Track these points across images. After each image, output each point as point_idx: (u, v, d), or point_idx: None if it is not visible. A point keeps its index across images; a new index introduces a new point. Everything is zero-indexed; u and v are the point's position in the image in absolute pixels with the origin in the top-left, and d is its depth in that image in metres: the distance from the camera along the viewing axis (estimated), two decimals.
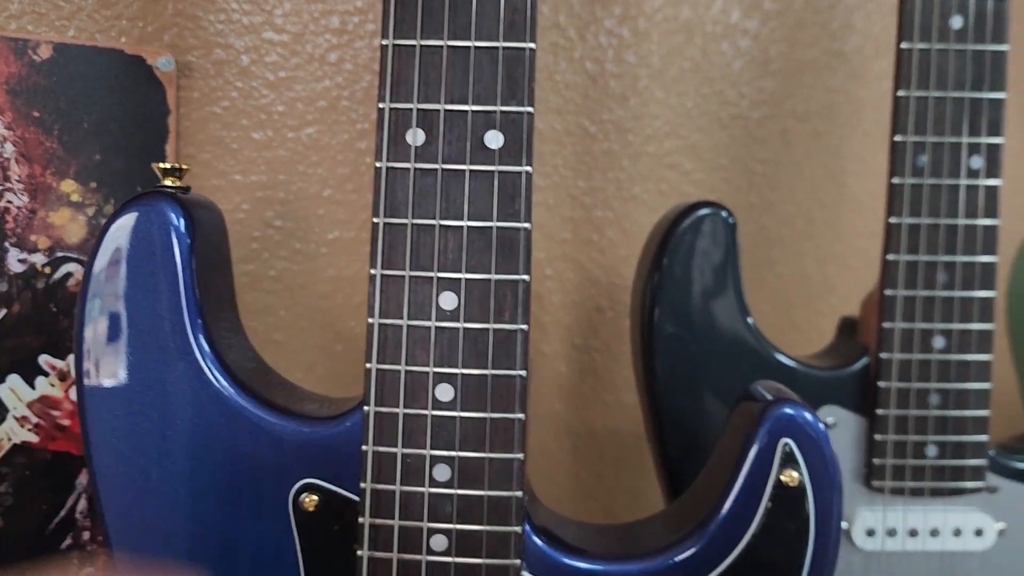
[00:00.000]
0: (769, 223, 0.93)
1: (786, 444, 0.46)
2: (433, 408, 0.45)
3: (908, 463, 0.64)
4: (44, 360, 0.62)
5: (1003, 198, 0.97)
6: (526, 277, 0.44)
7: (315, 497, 0.47)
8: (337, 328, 0.73)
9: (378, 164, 0.44)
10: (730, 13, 0.89)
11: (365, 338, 0.45)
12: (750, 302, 0.94)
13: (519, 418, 0.45)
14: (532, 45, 0.44)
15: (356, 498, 0.46)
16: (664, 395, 0.65)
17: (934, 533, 0.65)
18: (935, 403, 0.64)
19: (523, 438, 0.45)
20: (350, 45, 0.74)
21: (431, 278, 0.44)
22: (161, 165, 0.49)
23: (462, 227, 0.44)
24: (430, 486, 0.45)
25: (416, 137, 0.44)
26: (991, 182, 0.63)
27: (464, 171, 0.44)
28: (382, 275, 0.45)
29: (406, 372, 0.45)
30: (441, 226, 0.44)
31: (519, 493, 0.45)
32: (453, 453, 0.45)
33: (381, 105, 0.44)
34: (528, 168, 0.44)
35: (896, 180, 0.63)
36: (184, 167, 0.49)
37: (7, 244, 0.61)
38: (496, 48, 0.44)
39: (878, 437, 0.64)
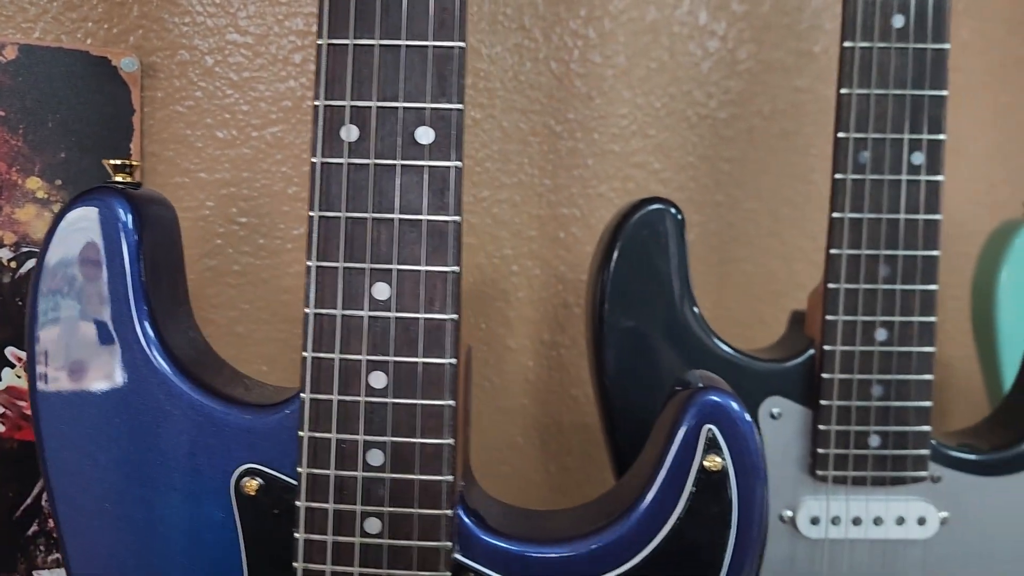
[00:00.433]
0: (736, 221, 0.95)
1: (710, 430, 0.47)
2: (366, 395, 0.46)
3: (851, 453, 0.65)
4: (10, 352, 0.64)
5: (975, 196, 0.99)
6: (456, 268, 0.46)
7: (256, 481, 0.48)
8: (299, 321, 0.75)
9: (313, 160, 0.46)
10: (697, 15, 0.91)
11: None
12: (716, 298, 0.96)
13: (449, 405, 0.46)
14: (462, 44, 0.45)
15: (295, 482, 0.48)
16: (613, 387, 0.66)
17: (877, 521, 0.66)
18: (877, 394, 0.65)
19: (454, 424, 0.47)
20: (314, 46, 0.75)
21: (364, 269, 0.46)
22: (112, 162, 0.50)
23: (393, 220, 0.46)
24: (364, 470, 0.47)
25: (350, 133, 0.46)
26: (933, 178, 0.64)
27: (395, 166, 0.46)
28: (317, 267, 0.46)
29: (340, 360, 0.46)
30: (374, 219, 0.46)
31: (449, 477, 0.47)
32: (386, 438, 0.47)
33: (316, 103, 0.46)
34: (458, 163, 0.46)
35: (838, 176, 0.64)
36: (135, 163, 0.51)
37: None
38: (426, 47, 0.45)
39: (822, 427, 0.65)
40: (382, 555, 0.47)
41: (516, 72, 0.85)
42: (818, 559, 0.67)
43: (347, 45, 0.45)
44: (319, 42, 0.46)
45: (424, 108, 0.45)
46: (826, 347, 0.65)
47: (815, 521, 0.66)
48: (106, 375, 0.49)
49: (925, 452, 0.66)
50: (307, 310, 0.46)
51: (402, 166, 0.46)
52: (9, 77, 0.63)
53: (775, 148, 0.94)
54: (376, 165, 0.46)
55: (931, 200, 0.64)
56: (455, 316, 0.46)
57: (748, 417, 0.48)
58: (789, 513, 0.66)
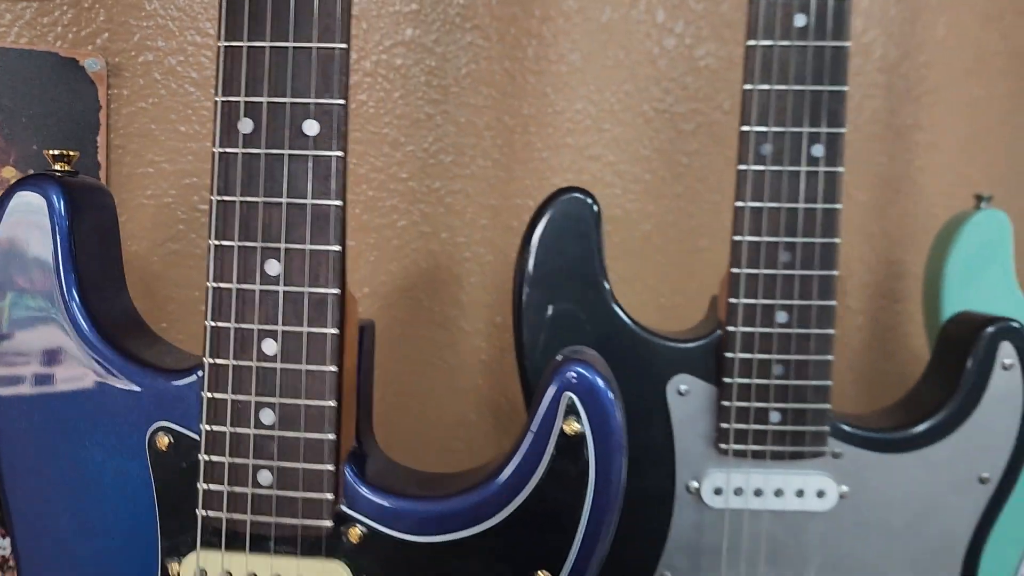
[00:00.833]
0: (696, 212, 0.99)
1: (570, 398, 0.52)
2: (258, 360, 0.52)
3: (752, 428, 0.69)
4: None
5: (949, 188, 1.01)
6: (338, 248, 0.51)
7: (167, 438, 0.54)
8: None
9: (214, 150, 0.52)
10: (655, 13, 0.94)
11: None
12: (676, 286, 1.00)
13: (331, 371, 0.52)
14: (343, 46, 0.50)
15: (199, 438, 0.53)
16: (531, 366, 0.71)
17: (778, 493, 0.70)
18: (778, 373, 0.69)
19: (336, 388, 0.52)
20: None
21: (256, 248, 0.51)
22: (51, 152, 0.57)
23: (282, 204, 0.51)
24: (256, 428, 0.52)
25: (245, 126, 0.51)
26: (832, 169, 0.67)
27: (284, 155, 0.51)
28: (216, 245, 0.52)
29: (236, 329, 0.52)
30: (265, 203, 0.51)
31: (331, 436, 0.52)
32: (275, 400, 0.52)
33: (216, 99, 0.51)
34: (340, 152, 0.51)
35: (741, 167, 0.68)
36: (72, 153, 0.57)
37: None
38: (311, 48, 0.50)
39: (725, 403, 0.69)
40: (272, 504, 0.53)
41: (469, 70, 0.90)
42: (721, 528, 0.70)
43: (241, 47, 0.51)
44: (219, 44, 0.51)
45: (309, 103, 0.51)
46: (729, 328, 0.69)
47: (718, 491, 0.70)
48: (41, 340, 0.55)
49: (824, 428, 0.69)
50: (208, 284, 0.52)
51: (290, 155, 0.51)
52: None
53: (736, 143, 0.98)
54: (267, 155, 0.51)
55: (830, 190, 0.68)
56: (337, 291, 0.51)
57: (608, 387, 0.52)
58: (695, 484, 0.71)
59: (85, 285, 0.55)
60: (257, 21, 0.51)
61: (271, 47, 0.51)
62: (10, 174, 0.72)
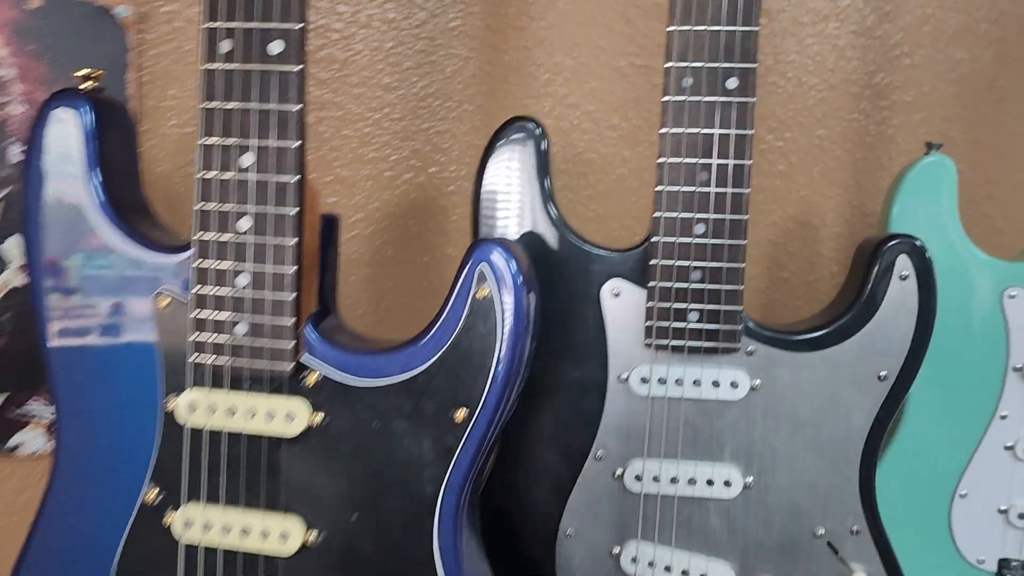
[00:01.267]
0: None
1: (481, 269, 0.64)
2: (235, 235, 0.65)
3: (673, 325, 0.80)
4: None
5: (919, 147, 1.09)
6: (298, 143, 0.64)
7: (166, 300, 0.68)
8: None
9: (201, 67, 0.65)
10: None
11: None
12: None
13: (292, 242, 0.64)
14: None
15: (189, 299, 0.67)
16: None
17: (696, 383, 0.80)
18: (696, 278, 0.79)
19: (297, 258, 0.65)
20: None
21: (233, 144, 0.65)
22: (78, 73, 0.71)
23: (254, 109, 0.64)
24: (233, 289, 0.66)
25: (224, 47, 0.64)
26: (744, 99, 0.77)
27: (256, 71, 0.64)
28: (202, 144, 0.65)
29: (217, 210, 0.65)
30: (240, 108, 0.64)
31: (292, 295, 0.65)
32: (249, 266, 0.65)
33: (202, 26, 0.64)
34: (299, 67, 0.63)
35: (665, 99, 0.78)
36: (98, 72, 0.71)
37: (8, 142, 0.85)
38: None
39: (650, 304, 0.80)
40: (246, 351, 0.66)
41: (456, 24, 1.01)
42: (647, 413, 0.81)
43: None
44: None
45: (274, 27, 0.63)
46: (653, 238, 0.79)
47: (644, 380, 0.81)
48: (70, 218, 0.69)
49: (737, 328, 0.79)
50: (196, 175, 0.65)
51: (261, 71, 0.64)
52: (35, 21, 0.85)
53: None
54: (241, 69, 0.64)
55: (742, 118, 0.77)
56: (297, 177, 0.64)
57: (512, 260, 0.64)
58: (625, 375, 0.81)
59: (106, 176, 0.69)
60: None
61: None
62: None
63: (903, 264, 0.79)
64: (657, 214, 0.79)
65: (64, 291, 0.70)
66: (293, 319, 0.65)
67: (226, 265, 0.66)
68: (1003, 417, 0.90)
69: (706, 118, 0.78)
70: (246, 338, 0.66)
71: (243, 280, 0.65)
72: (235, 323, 0.66)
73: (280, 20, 0.63)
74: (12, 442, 0.89)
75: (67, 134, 0.69)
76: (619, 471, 0.82)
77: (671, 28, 0.78)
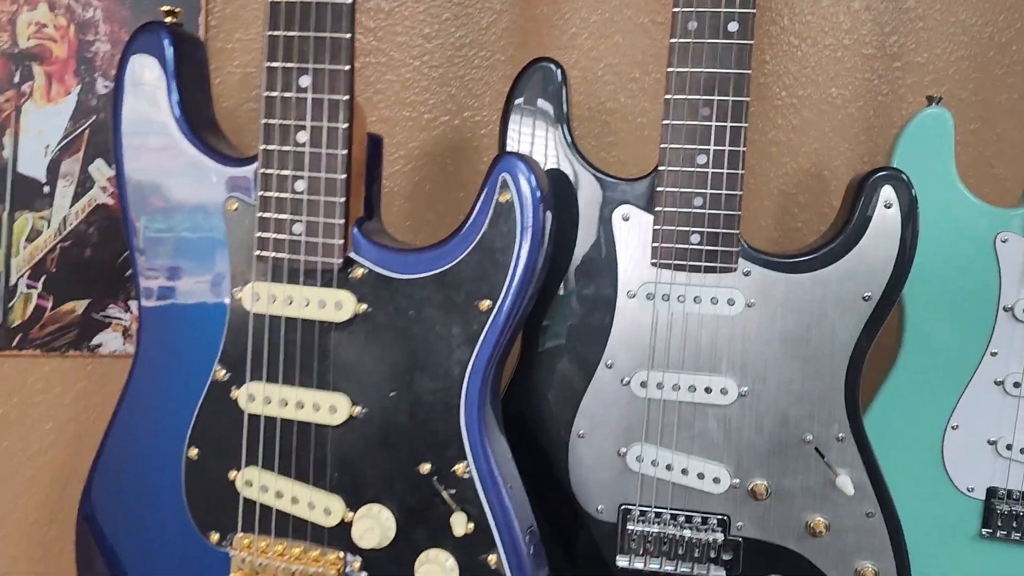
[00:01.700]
0: None
1: (503, 177, 0.74)
2: (294, 146, 0.76)
3: (676, 247, 0.89)
4: None
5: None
6: (347, 67, 0.74)
7: (235, 204, 0.79)
8: None
9: (268, 1, 0.75)
10: None
11: None
12: None
13: (343, 153, 0.75)
14: None
15: (255, 204, 0.78)
16: None
17: (696, 299, 0.90)
18: (697, 204, 0.88)
19: (347, 166, 0.75)
20: None
21: (293, 68, 0.75)
22: (163, 8, 0.82)
23: (310, 36, 0.75)
24: (292, 193, 0.76)
25: None
26: (743, 42, 0.86)
27: (312, 2, 0.74)
28: (268, 67, 0.76)
29: (279, 124, 0.76)
30: (299, 36, 0.75)
31: (343, 199, 0.76)
32: (305, 173, 0.76)
33: None
34: (349, 1, 0.74)
35: (673, 40, 0.87)
36: (177, 10, 0.82)
37: (97, 75, 0.97)
38: None
39: (656, 227, 0.89)
40: (302, 247, 0.77)
41: None
42: (652, 326, 0.91)
43: None
44: None
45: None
46: (660, 168, 0.89)
47: (650, 297, 0.90)
48: (153, 131, 0.80)
49: (734, 250, 0.88)
50: (263, 93, 0.76)
51: (316, 2, 0.74)
52: None
53: None
54: (300, 3, 0.74)
55: (741, 58, 0.86)
56: (348, 97, 0.74)
57: (530, 170, 0.74)
58: (633, 291, 0.91)
59: (184, 99, 0.81)
60: None
61: None
62: None
63: (887, 194, 0.88)
64: (663, 145, 0.88)
65: (147, 199, 0.81)
66: (343, 220, 0.76)
67: (286, 172, 0.76)
68: (994, 354, 0.97)
69: (708, 58, 0.87)
70: (302, 236, 0.77)
71: (300, 185, 0.76)
72: (293, 223, 0.77)
73: None
74: (95, 341, 1.01)
75: (152, 60, 0.80)
76: (626, 379, 0.91)
77: None
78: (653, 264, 0.90)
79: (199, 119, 0.82)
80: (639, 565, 0.92)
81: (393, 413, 0.77)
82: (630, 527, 0.91)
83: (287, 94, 0.76)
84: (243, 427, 0.79)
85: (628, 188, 0.91)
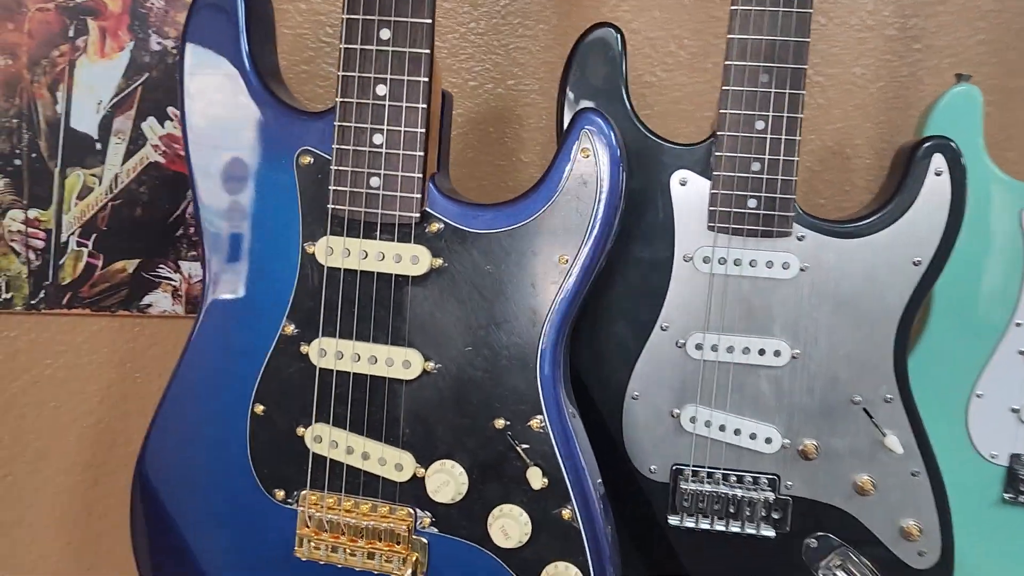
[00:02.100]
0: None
1: (585, 130, 0.75)
2: (374, 100, 0.76)
3: (733, 211, 0.90)
4: (170, 110, 0.97)
5: (946, 85, 1.19)
6: (429, 21, 0.74)
7: (308, 157, 0.79)
8: None
9: None
10: None
11: None
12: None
13: (423, 107, 0.75)
14: None
15: (330, 157, 0.78)
16: None
17: (752, 263, 0.91)
18: (755, 169, 0.90)
19: (426, 121, 0.75)
20: None
21: (374, 20, 0.75)
22: None
23: None
24: (371, 147, 0.77)
25: None
26: (803, 10, 0.87)
27: None
28: (346, 18, 0.76)
29: (358, 77, 0.76)
30: None
31: (421, 153, 0.76)
32: (384, 127, 0.76)
33: None
34: None
35: (733, 7, 0.88)
36: None
37: (151, 32, 0.96)
38: None
39: (714, 192, 0.91)
40: (379, 201, 0.77)
41: None
42: (708, 289, 0.92)
43: None
44: None
45: None
46: (719, 133, 0.90)
47: (706, 260, 0.92)
48: (225, 88, 0.80)
49: (790, 214, 0.90)
50: (340, 46, 0.76)
51: None
52: None
53: None
54: None
55: (801, 26, 0.88)
56: (428, 51, 0.75)
57: (609, 127, 0.75)
58: (690, 255, 0.92)
59: (253, 52, 0.80)
60: None
61: None
62: None
63: (938, 162, 0.90)
64: (723, 111, 0.90)
65: (214, 151, 0.81)
66: (421, 175, 0.76)
67: (364, 125, 0.76)
68: (1018, 325, 1.00)
69: (769, 26, 0.88)
70: (379, 190, 0.77)
71: (379, 139, 0.76)
72: (370, 176, 0.77)
73: None
74: (144, 301, 1.00)
75: (224, 15, 0.79)
76: (681, 341, 0.93)
77: None
78: (710, 228, 0.91)
79: (268, 73, 0.82)
80: (690, 524, 0.93)
81: (467, 368, 0.78)
82: (683, 486, 0.93)
83: (367, 47, 0.76)
84: (314, 382, 0.79)
85: (686, 153, 0.93)
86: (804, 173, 1.24)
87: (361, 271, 0.78)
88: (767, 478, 0.92)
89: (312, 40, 1.05)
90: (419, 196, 0.76)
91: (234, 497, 0.82)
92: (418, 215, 0.77)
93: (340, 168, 0.77)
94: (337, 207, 0.78)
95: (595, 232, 0.75)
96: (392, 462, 0.78)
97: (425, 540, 0.79)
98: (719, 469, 0.93)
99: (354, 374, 0.79)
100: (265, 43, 0.83)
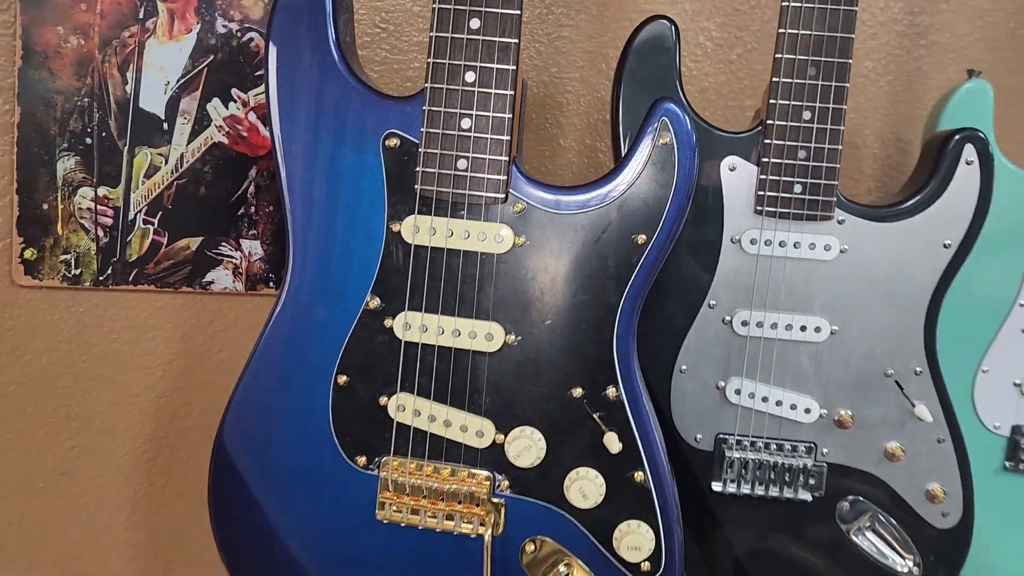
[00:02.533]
0: (745, 77, 1.24)
1: (664, 120, 0.79)
2: (463, 86, 0.80)
3: (780, 195, 0.96)
4: (234, 91, 1.00)
5: (953, 80, 1.26)
6: (517, 12, 0.78)
7: (395, 140, 0.83)
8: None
9: None
10: None
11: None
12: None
13: (510, 94, 0.79)
14: None
15: (417, 140, 0.82)
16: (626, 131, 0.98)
17: (796, 245, 0.97)
18: (801, 156, 0.96)
19: (513, 107, 0.80)
20: None
21: (465, 10, 0.79)
22: None
23: None
24: (459, 130, 0.81)
25: None
26: (849, 8, 0.93)
27: None
28: (437, 8, 0.80)
29: (449, 64, 0.80)
30: None
31: (508, 137, 0.80)
32: (472, 112, 0.80)
33: None
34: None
35: (784, 3, 0.94)
36: None
37: (217, 15, 0.99)
38: None
39: (762, 177, 0.96)
40: (466, 183, 0.81)
41: None
42: (754, 270, 0.98)
43: None
44: None
45: None
46: (768, 121, 0.96)
47: (753, 242, 0.97)
48: (315, 75, 0.83)
49: (832, 199, 0.96)
50: (431, 34, 0.80)
51: None
52: None
53: None
54: None
55: (847, 22, 0.94)
56: (517, 40, 0.79)
57: (686, 116, 0.80)
58: (737, 237, 0.98)
59: (339, 36, 0.83)
60: None
61: None
62: None
63: (969, 152, 0.97)
64: (772, 101, 0.95)
65: (300, 132, 0.84)
66: (506, 158, 0.80)
67: (453, 110, 0.80)
68: (1022, 305, 1.08)
69: (818, 21, 0.94)
70: (467, 171, 0.81)
71: (467, 123, 0.80)
72: (458, 159, 0.81)
73: None
74: (207, 278, 1.03)
75: (310, 4, 0.83)
76: (728, 318, 0.98)
77: None
78: (757, 212, 0.97)
79: (351, 58, 0.85)
80: (732, 489, 0.99)
81: (547, 341, 0.82)
82: (728, 454, 0.99)
83: (457, 35, 0.80)
84: (399, 354, 0.83)
85: (735, 140, 0.98)
86: None
87: (447, 249, 0.82)
88: (805, 446, 0.99)
89: (369, 26, 1.08)
90: (504, 178, 0.81)
91: (315, 464, 0.86)
92: (503, 196, 0.81)
93: (428, 151, 0.81)
94: (425, 188, 0.82)
95: (672, 214, 0.80)
96: (473, 429, 0.83)
97: (502, 501, 0.84)
98: (761, 438, 0.99)
99: (438, 347, 0.83)
100: (348, 29, 0.87)
